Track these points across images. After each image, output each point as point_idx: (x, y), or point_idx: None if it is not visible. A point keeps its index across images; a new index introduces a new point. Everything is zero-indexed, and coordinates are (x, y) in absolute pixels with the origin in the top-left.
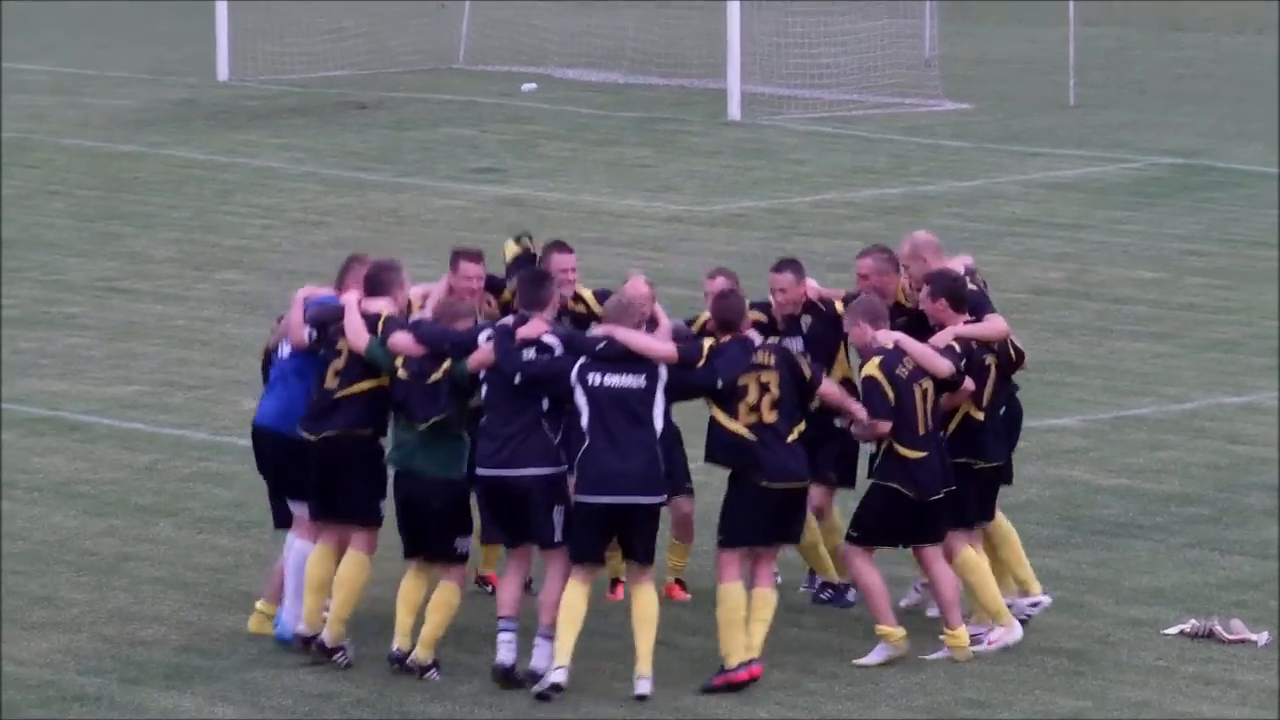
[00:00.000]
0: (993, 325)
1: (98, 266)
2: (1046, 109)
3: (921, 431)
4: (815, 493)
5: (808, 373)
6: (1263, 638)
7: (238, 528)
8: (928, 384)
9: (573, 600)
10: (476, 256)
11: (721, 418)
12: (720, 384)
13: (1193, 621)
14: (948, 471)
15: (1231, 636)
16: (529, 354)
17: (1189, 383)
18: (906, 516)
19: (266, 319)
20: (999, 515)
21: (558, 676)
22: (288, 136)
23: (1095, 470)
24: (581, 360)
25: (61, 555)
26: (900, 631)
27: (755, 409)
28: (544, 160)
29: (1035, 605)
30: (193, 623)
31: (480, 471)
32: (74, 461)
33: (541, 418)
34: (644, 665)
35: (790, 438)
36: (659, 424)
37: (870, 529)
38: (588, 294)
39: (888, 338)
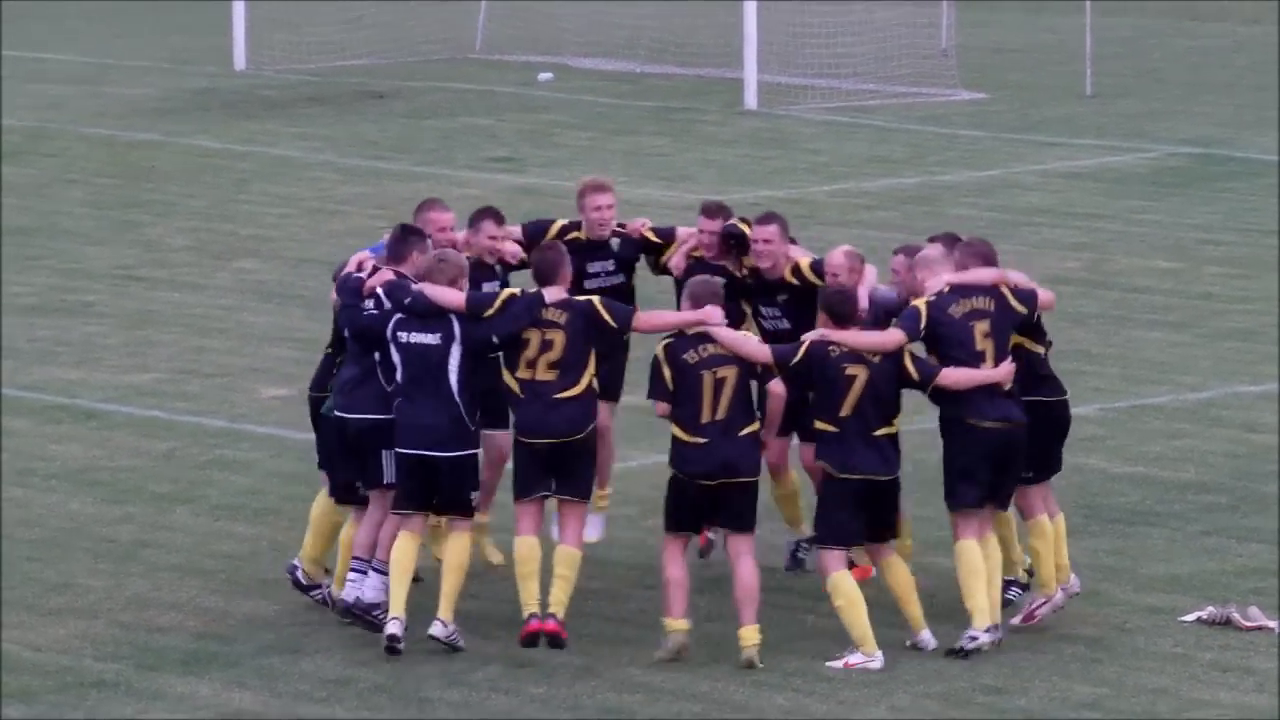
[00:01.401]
0: (870, 337)
1: (115, 255)
2: (1064, 98)
3: (704, 419)
4: None
5: (612, 321)
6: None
7: (254, 515)
8: (726, 373)
9: (399, 556)
10: (714, 212)
11: (504, 372)
12: (495, 339)
13: (1210, 609)
14: (731, 462)
15: (1248, 624)
16: (368, 305)
17: (1206, 371)
18: (688, 500)
19: (283, 307)
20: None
21: (393, 628)
22: (305, 126)
23: (1112, 458)
24: (396, 316)
25: (79, 542)
26: (681, 624)
27: (531, 365)
28: (560, 149)
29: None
30: (210, 609)
31: (333, 413)
32: (91, 449)
33: (376, 367)
34: (445, 610)
35: (565, 394)
36: (455, 379)
37: (668, 514)
38: (805, 264)
39: (700, 319)
